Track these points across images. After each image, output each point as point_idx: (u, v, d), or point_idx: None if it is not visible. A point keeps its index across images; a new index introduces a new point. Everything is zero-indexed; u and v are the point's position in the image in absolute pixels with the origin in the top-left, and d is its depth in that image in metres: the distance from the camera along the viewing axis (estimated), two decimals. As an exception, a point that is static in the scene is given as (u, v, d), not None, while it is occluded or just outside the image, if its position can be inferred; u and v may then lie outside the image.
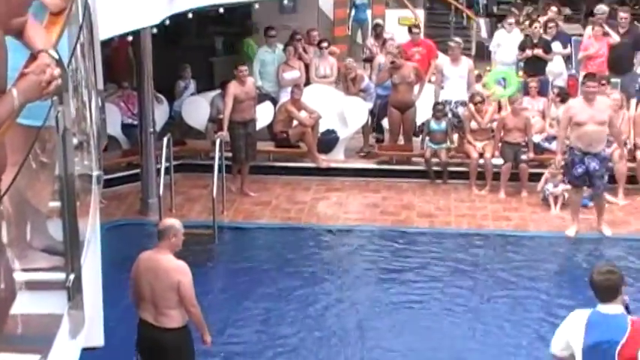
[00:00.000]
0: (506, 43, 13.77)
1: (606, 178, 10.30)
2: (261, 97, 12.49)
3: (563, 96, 11.89)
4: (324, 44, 13.42)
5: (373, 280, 9.72)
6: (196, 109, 12.63)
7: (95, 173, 4.94)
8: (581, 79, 11.62)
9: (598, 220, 10.46)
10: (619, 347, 5.15)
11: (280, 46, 13.27)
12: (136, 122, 11.64)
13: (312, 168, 12.30)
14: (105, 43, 7.25)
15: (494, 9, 18.82)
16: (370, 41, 14.28)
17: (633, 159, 11.33)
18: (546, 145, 11.95)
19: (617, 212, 10.92)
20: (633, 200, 11.29)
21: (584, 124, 9.90)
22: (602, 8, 13.73)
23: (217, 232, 10.48)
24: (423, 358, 8.07)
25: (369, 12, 15.20)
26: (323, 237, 10.69)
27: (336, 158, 12.57)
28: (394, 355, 8.09)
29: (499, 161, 11.68)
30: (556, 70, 13.40)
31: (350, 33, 15.22)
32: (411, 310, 8.90)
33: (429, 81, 12.89)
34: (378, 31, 14.01)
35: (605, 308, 5.26)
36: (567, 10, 17.99)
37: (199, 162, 12.16)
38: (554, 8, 15.12)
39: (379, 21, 14.49)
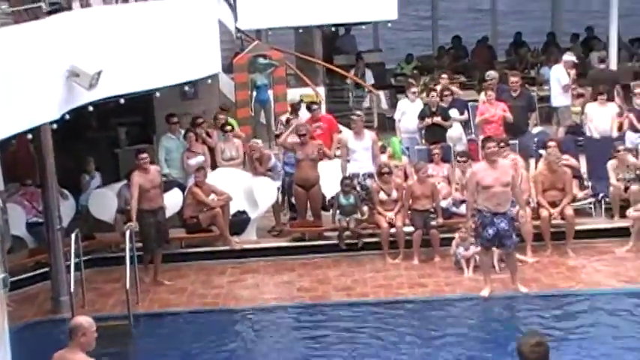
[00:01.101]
0: (409, 112, 14.11)
1: (515, 236, 10.55)
2: (169, 184, 12.42)
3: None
4: (228, 127, 13.50)
5: (298, 357, 9.62)
6: (103, 202, 12.46)
7: (0, 276, 4.82)
8: (480, 143, 11.96)
9: (512, 278, 10.65)
10: None
11: (182, 132, 13.30)
12: (41, 220, 11.41)
13: (226, 251, 12.23)
14: (4, 142, 7.15)
15: (392, 81, 19.30)
16: (282, 118, 14.35)
17: (538, 217, 11.64)
18: (454, 209, 12.19)
19: (526, 270, 11.13)
20: (541, 257, 11.55)
21: (491, 186, 10.17)
22: (492, 74, 14.28)
23: (133, 322, 10.28)
24: None
25: (270, 92, 15.40)
26: (242, 319, 10.61)
27: (249, 239, 12.54)
28: None
29: (410, 229, 11.84)
30: (455, 135, 13.78)
31: (253, 114, 15.35)
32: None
33: (335, 155, 13.06)
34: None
35: None
36: (462, 78, 18.61)
37: (110, 255, 11.96)
38: (444, 75, 15.61)
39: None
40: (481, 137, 13.53)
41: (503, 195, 10.22)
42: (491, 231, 10.23)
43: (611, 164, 12.21)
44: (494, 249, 10.64)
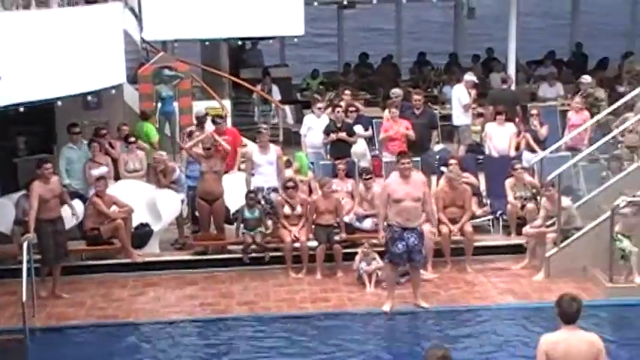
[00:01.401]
0: (315, 127, 14.21)
1: (424, 252, 10.73)
2: (70, 195, 12.17)
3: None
4: (132, 139, 13.33)
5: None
6: (0, 212, 12.12)
7: None
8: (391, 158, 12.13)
9: (414, 294, 10.81)
10: None
11: (85, 142, 13.07)
12: None
13: (127, 264, 12.06)
14: None
15: (298, 96, 19.42)
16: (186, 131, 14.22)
17: (438, 233, 11.86)
18: (357, 224, 12.33)
19: (427, 285, 11.31)
20: (441, 273, 11.78)
21: (402, 200, 10.32)
22: (396, 92, 14.51)
23: (29, 335, 10.01)
24: None
25: (175, 104, 15.28)
26: (142, 333, 10.46)
27: (152, 252, 12.40)
28: None
29: (313, 244, 11.91)
30: (359, 151, 13.94)
31: (158, 126, 15.20)
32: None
33: (239, 169, 13.04)
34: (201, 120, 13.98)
35: None
36: (367, 95, 18.85)
37: (7, 267, 11.62)
38: (347, 92, 15.79)
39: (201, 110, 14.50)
40: (385, 154, 13.81)
41: (413, 210, 10.39)
42: (400, 246, 10.38)
43: (508, 182, 12.56)
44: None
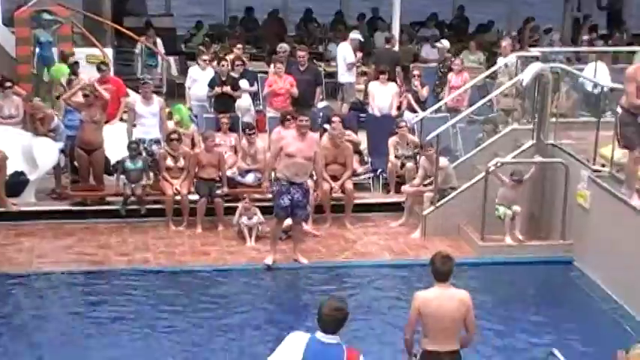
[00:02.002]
0: (200, 80, 14.06)
1: (308, 208, 10.82)
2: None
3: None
4: (8, 84, 12.87)
5: (77, 327, 9.36)
6: None
7: None
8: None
9: (294, 249, 10.93)
10: None
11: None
12: None
13: (1, 212, 11.70)
14: None
15: (183, 47, 19.12)
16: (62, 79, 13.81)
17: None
18: (240, 179, 12.33)
19: (306, 241, 11.43)
20: (320, 229, 11.90)
21: (294, 156, 10.37)
22: (284, 46, 14.49)
23: None
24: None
25: (54, 50, 14.80)
26: (16, 283, 10.21)
27: (27, 201, 12.08)
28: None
29: (195, 197, 11.85)
30: (244, 106, 13.90)
31: (36, 72, 14.71)
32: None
33: (121, 119, 12.80)
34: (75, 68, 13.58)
35: (324, 337, 5.55)
36: (253, 49, 18.74)
37: None
38: (239, 46, 15.68)
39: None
40: (269, 109, 13.82)
41: (302, 167, 10.46)
42: (286, 199, 10.44)
43: (391, 141, 12.78)
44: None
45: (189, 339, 9.09)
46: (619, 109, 9.82)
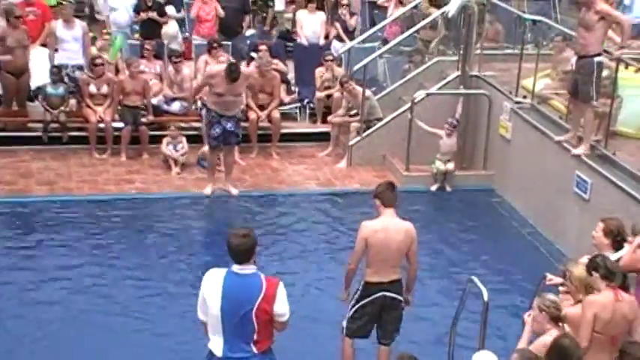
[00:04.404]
0: (120, 6, 13.67)
1: (240, 136, 10.78)
2: None
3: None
4: None
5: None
6: None
7: None
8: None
9: (226, 177, 10.90)
10: (256, 305, 5.46)
11: None
12: None
13: None
14: None
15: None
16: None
17: (246, 119, 11.91)
18: (165, 107, 12.20)
19: (233, 170, 11.35)
20: (247, 158, 11.89)
21: (223, 95, 10.27)
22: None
23: None
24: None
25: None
26: None
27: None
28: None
29: (119, 125, 11.70)
30: (171, 32, 13.65)
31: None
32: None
33: (44, 45, 12.46)
34: None
35: (240, 269, 5.52)
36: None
37: None
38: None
39: None
40: (195, 37, 13.61)
41: (232, 104, 10.39)
42: (218, 129, 10.39)
43: (318, 71, 12.76)
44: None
45: (124, 268, 9.09)
46: (574, 60, 9.47)
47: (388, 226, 6.80)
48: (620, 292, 5.92)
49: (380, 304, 6.94)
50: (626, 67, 9.35)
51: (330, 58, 12.84)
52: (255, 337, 5.54)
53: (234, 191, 10.87)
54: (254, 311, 5.47)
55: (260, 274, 5.57)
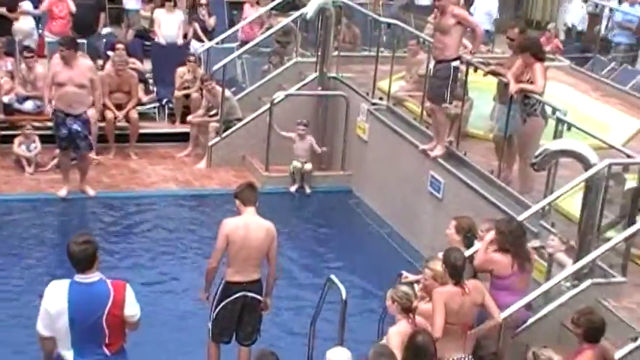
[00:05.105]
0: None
1: (90, 139, 10.53)
2: None
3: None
4: None
5: None
6: None
7: None
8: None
9: (81, 179, 10.65)
10: (106, 312, 5.38)
11: None
12: None
13: None
14: None
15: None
16: None
17: (103, 119, 11.69)
18: (17, 105, 11.82)
19: (89, 171, 10.94)
20: (104, 159, 11.66)
21: (64, 84, 10.02)
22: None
23: None
24: None
25: None
26: None
27: None
28: None
29: (-32, 124, 11.27)
30: (26, 29, 13.20)
31: None
32: None
33: None
34: None
35: (83, 277, 5.39)
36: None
37: None
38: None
39: None
40: (47, 34, 13.24)
41: (75, 96, 10.13)
42: (64, 130, 10.15)
43: (180, 71, 12.62)
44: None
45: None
46: (432, 65, 9.63)
47: (249, 224, 6.86)
48: (467, 285, 6.17)
49: (241, 303, 6.97)
50: (475, 71, 9.74)
51: (193, 59, 12.74)
52: (106, 340, 5.47)
53: (91, 192, 10.65)
54: (104, 317, 5.39)
55: (105, 280, 5.46)
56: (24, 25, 13.18)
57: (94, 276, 5.41)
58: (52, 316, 5.36)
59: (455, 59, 9.37)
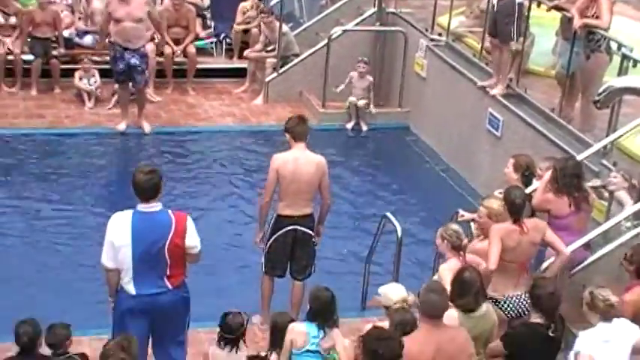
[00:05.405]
0: None
1: (147, 73, 10.58)
2: None
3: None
4: None
5: None
6: None
7: None
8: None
9: (139, 114, 10.71)
10: (168, 241, 5.46)
11: None
12: None
13: None
14: None
15: None
16: None
17: (161, 54, 11.73)
18: (77, 40, 11.89)
19: (148, 106, 11.10)
20: (162, 94, 11.72)
21: (121, 20, 10.04)
22: None
23: None
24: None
25: None
26: None
27: None
28: None
29: (29, 57, 11.36)
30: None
31: None
32: None
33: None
34: None
35: (146, 206, 5.48)
36: None
37: None
38: None
39: None
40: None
41: (133, 31, 10.14)
42: (121, 65, 10.19)
43: (242, 6, 12.42)
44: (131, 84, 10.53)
45: (30, 209, 8.93)
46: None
47: (298, 158, 6.86)
48: (525, 224, 6.10)
49: (292, 237, 7.00)
50: (538, 6, 9.48)
51: (252, -3, 12.60)
52: (168, 272, 5.54)
53: (147, 128, 10.72)
54: (166, 247, 5.46)
55: (167, 210, 5.54)
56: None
57: (156, 205, 5.50)
58: (115, 247, 5.45)
59: (519, -5, 9.14)
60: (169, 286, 5.58)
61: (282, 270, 7.16)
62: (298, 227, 6.98)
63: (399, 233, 7.01)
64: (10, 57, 11.32)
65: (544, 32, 10.20)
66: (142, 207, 5.49)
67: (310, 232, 7.04)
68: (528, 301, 5.76)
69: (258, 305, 7.12)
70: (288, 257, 7.10)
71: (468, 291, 5.40)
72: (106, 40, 10.49)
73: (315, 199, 7.06)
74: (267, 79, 11.82)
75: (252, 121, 11.34)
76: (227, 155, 10.53)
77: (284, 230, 6.97)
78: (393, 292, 5.65)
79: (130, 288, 5.54)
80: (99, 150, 10.30)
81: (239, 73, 12.31)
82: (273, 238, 7.02)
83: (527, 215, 6.37)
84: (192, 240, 5.55)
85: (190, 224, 5.55)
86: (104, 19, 10.44)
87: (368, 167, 10.55)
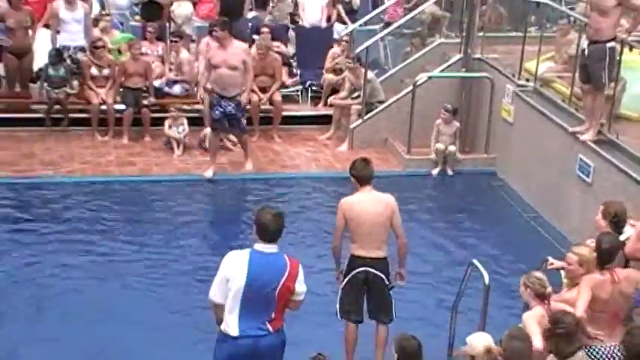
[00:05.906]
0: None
1: (244, 121, 10.75)
2: None
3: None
4: None
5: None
6: None
7: None
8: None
9: (245, 157, 10.91)
10: (281, 284, 5.53)
11: None
12: None
13: None
14: None
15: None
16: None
17: (248, 102, 11.83)
18: (167, 89, 12.18)
19: (236, 153, 11.32)
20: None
21: (219, 67, 10.26)
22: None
23: None
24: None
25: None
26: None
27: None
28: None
29: (121, 107, 11.68)
30: (185, 13, 13.46)
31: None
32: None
33: (46, 26, 12.43)
34: None
35: (265, 247, 5.57)
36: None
37: None
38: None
39: None
40: (194, 18, 13.54)
41: (229, 78, 10.34)
42: (218, 112, 10.39)
43: (332, 52, 12.64)
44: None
45: (137, 252, 9.11)
46: (585, 44, 9.21)
47: (364, 200, 6.88)
48: (617, 273, 5.92)
49: (363, 279, 6.96)
50: (630, 50, 9.30)
51: (347, 39, 12.71)
52: (272, 315, 5.60)
53: (249, 167, 10.87)
54: (278, 290, 5.53)
55: (282, 254, 5.63)
56: (184, 9, 13.46)
57: (273, 248, 5.59)
58: (228, 284, 5.52)
59: (610, 40, 8.97)
60: (270, 329, 5.63)
61: (357, 314, 7.09)
62: (370, 269, 6.94)
63: (486, 280, 6.88)
64: (104, 107, 11.66)
65: (636, 76, 9.99)
66: (260, 247, 5.59)
67: (382, 275, 6.98)
68: (622, 353, 5.57)
69: (342, 357, 7.08)
70: (361, 300, 7.04)
71: (571, 339, 5.26)
72: (202, 90, 10.72)
73: (389, 242, 6.99)
74: (352, 126, 11.87)
75: (337, 168, 11.37)
76: (312, 201, 10.56)
77: (356, 271, 6.96)
78: (478, 341, 5.53)
79: (234, 327, 5.59)
80: (188, 196, 10.45)
81: (324, 120, 12.39)
82: (347, 279, 7.01)
83: (621, 265, 6.18)
84: (302, 286, 5.65)
85: (301, 270, 5.66)
86: (205, 65, 10.67)
87: (453, 212, 10.44)
